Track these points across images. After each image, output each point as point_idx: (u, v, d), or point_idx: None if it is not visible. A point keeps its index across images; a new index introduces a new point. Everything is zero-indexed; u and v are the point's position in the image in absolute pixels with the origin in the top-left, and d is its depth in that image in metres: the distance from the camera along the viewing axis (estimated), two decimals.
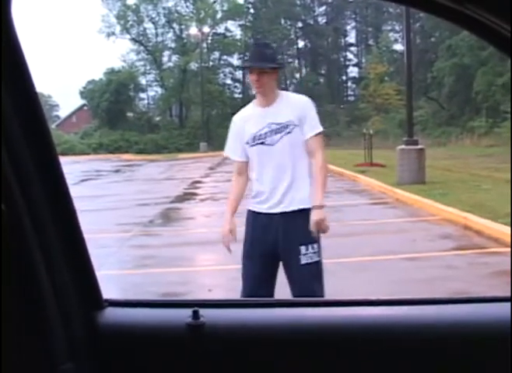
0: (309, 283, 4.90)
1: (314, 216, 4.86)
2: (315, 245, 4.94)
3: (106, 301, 1.96)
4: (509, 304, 1.85)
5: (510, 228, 10.25)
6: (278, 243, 4.91)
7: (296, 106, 4.97)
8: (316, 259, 4.93)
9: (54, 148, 1.71)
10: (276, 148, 4.92)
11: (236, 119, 5.14)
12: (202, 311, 1.88)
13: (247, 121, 5.02)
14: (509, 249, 9.49)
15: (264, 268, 4.97)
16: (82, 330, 1.84)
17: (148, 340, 1.90)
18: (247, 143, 4.99)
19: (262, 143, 4.94)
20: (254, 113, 5.04)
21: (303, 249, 4.89)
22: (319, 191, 4.92)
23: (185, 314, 1.88)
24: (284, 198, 4.93)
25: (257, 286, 4.94)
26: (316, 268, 4.95)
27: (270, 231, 4.92)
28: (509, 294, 1.94)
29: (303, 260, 4.89)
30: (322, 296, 4.89)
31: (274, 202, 4.93)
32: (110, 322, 1.91)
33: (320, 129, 5.02)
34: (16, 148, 1.59)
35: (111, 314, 1.93)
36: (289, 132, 4.91)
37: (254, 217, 5.00)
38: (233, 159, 5.19)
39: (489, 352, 1.85)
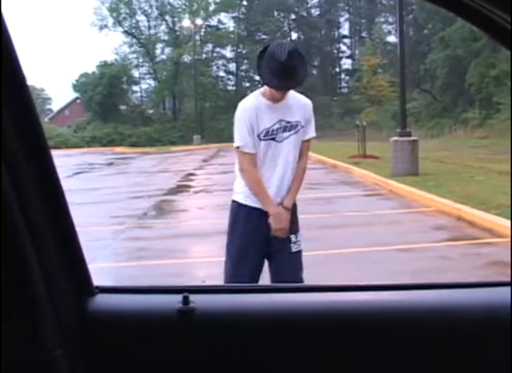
0: (297, 271, 4.97)
1: (275, 211, 4.91)
2: (299, 234, 5.03)
3: (97, 287, 1.95)
4: (509, 288, 1.86)
5: (503, 219, 10.32)
6: (270, 234, 4.92)
7: (305, 108, 4.98)
8: (301, 248, 5.02)
9: (45, 141, 1.70)
10: (283, 146, 4.90)
11: (249, 110, 4.90)
12: (192, 297, 1.88)
13: (258, 114, 4.86)
14: (503, 240, 9.55)
15: (256, 263, 4.97)
16: (73, 317, 1.84)
17: (138, 326, 1.90)
18: (258, 136, 4.87)
19: (273, 139, 4.89)
20: (263, 106, 4.88)
21: (293, 237, 4.96)
22: (294, 194, 4.99)
23: (175, 299, 1.88)
24: (286, 195, 4.96)
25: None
26: (301, 256, 5.03)
27: (265, 225, 4.90)
28: (509, 279, 1.95)
29: (294, 248, 4.95)
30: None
31: (278, 199, 4.93)
32: (100, 309, 1.90)
33: (314, 134, 5.08)
34: (6, 141, 1.58)
35: (102, 300, 1.93)
36: (296, 132, 4.92)
37: (247, 211, 4.94)
38: (248, 152, 4.90)
39: (489, 337, 1.85)
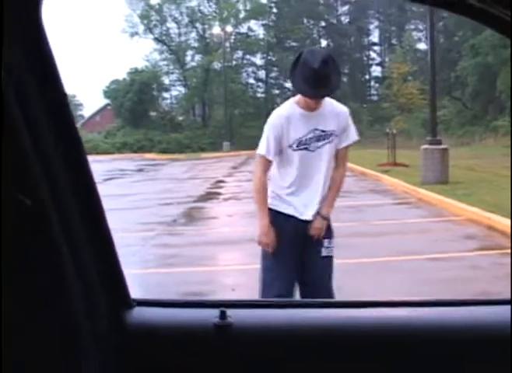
0: (326, 277, 4.97)
1: (317, 224, 4.92)
2: (333, 241, 5.01)
3: (135, 300, 1.96)
4: (509, 307, 1.86)
5: None
6: (305, 240, 4.91)
7: (341, 117, 4.92)
8: (332, 254, 5.00)
9: (83, 148, 1.72)
10: (316, 155, 4.85)
11: (279, 119, 4.87)
12: (230, 312, 1.88)
13: (290, 123, 4.81)
14: None
15: (290, 269, 4.94)
16: (110, 329, 1.85)
17: (175, 340, 1.90)
18: (290, 146, 4.82)
19: (306, 148, 4.84)
20: (297, 115, 4.84)
21: (326, 242, 4.94)
22: (332, 202, 4.99)
23: (212, 314, 1.88)
24: (320, 204, 4.93)
25: (282, 286, 4.90)
26: (331, 264, 5.01)
27: (302, 232, 4.90)
28: (509, 297, 1.94)
29: (324, 252, 4.94)
30: (331, 290, 4.97)
31: (312, 208, 4.91)
32: (137, 322, 1.91)
33: (357, 137, 5.04)
34: (45, 146, 1.59)
35: (139, 313, 1.94)
36: (330, 141, 4.86)
37: (284, 220, 4.92)
38: (266, 158, 4.88)
39: (489, 355, 1.85)
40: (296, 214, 4.90)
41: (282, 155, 4.89)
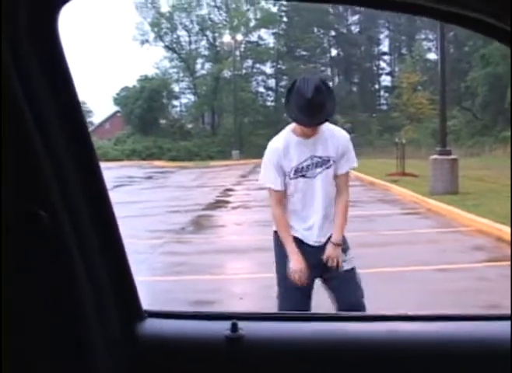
0: (354, 291, 4.93)
1: (330, 252, 4.87)
2: (350, 252, 4.98)
3: (146, 311, 1.96)
4: (509, 322, 1.85)
5: None
6: (320, 262, 4.88)
7: (340, 143, 4.88)
8: (353, 265, 4.96)
9: (95, 152, 1.73)
10: (316, 181, 4.84)
11: (275, 148, 4.85)
12: (241, 324, 1.87)
13: (288, 152, 4.80)
14: None
15: (305, 296, 4.92)
16: (122, 341, 1.85)
17: (186, 352, 1.90)
18: (288, 175, 4.82)
19: (303, 176, 4.83)
20: (294, 142, 4.82)
21: (342, 255, 4.90)
22: (341, 229, 4.93)
23: (224, 326, 1.87)
24: (329, 228, 4.90)
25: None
26: (355, 275, 4.97)
27: (316, 257, 4.86)
28: (509, 312, 1.94)
29: (345, 266, 4.90)
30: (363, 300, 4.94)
31: (322, 233, 4.88)
32: (149, 333, 1.90)
33: (356, 163, 4.99)
34: (56, 150, 1.61)
35: (150, 325, 1.93)
36: (328, 167, 4.84)
37: (298, 246, 4.85)
38: (274, 189, 4.87)
39: (488, 370, 1.85)
40: (309, 242, 4.89)
41: (285, 184, 4.87)
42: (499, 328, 1.89)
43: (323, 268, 4.87)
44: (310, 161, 4.81)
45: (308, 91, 4.55)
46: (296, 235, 4.88)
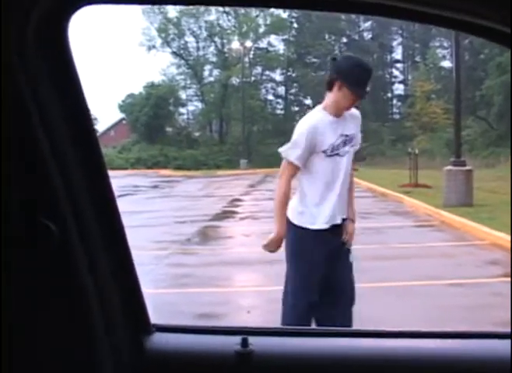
0: (352, 282, 5.13)
1: (351, 228, 5.06)
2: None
3: (154, 325, 1.95)
4: (509, 341, 1.82)
5: None
6: (336, 248, 4.98)
7: (357, 120, 5.11)
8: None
9: (103, 159, 1.73)
10: (345, 160, 4.97)
11: (313, 126, 4.92)
12: (251, 339, 1.87)
13: (324, 130, 4.90)
14: None
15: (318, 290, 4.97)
16: (129, 355, 1.85)
17: (195, 367, 1.90)
18: (324, 152, 4.89)
19: (337, 154, 4.93)
20: (327, 121, 4.93)
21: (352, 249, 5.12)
22: (354, 205, 5.19)
23: (234, 341, 1.87)
24: (342, 209, 5.03)
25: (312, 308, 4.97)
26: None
27: (332, 244, 4.95)
28: (509, 330, 1.92)
29: (351, 259, 5.09)
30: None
31: (341, 212, 5.00)
32: (157, 348, 1.91)
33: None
34: (67, 163, 1.62)
35: (158, 339, 1.93)
36: (353, 145, 5.02)
37: (314, 236, 4.91)
38: (295, 165, 4.93)
39: None
40: (325, 226, 4.93)
41: (308, 165, 4.94)
42: (499, 346, 1.87)
43: (334, 256, 4.96)
44: (341, 139, 4.93)
45: (368, 64, 4.96)
46: (315, 226, 4.90)
